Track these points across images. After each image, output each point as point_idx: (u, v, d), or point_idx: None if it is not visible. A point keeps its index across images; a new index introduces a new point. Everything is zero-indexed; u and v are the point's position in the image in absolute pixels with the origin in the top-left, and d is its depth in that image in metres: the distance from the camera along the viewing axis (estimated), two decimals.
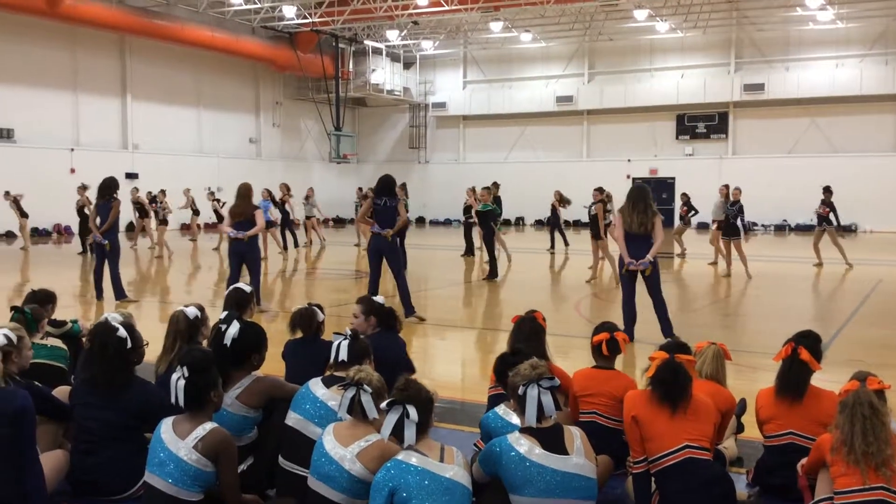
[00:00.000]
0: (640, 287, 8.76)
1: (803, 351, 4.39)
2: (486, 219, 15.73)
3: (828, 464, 3.70)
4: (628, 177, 35.99)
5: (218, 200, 23.06)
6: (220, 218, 22.68)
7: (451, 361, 8.63)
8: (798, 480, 4.06)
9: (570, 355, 8.25)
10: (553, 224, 21.86)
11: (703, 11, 31.55)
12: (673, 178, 34.18)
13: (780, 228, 33.12)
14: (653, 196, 8.88)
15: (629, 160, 35.79)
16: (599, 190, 15.55)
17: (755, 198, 31.95)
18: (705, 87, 34.13)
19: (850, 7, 30.02)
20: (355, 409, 3.64)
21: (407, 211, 11.87)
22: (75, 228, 21.09)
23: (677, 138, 35.57)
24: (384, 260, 10.40)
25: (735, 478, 4.58)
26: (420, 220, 39.63)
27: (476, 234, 17.68)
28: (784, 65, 33.31)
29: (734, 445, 5.07)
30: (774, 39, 33.42)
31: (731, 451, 4.96)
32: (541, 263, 18.94)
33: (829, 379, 5.12)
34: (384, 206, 10.32)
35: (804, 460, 4.01)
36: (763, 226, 33.23)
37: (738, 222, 15.88)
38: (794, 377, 4.40)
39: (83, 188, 20.61)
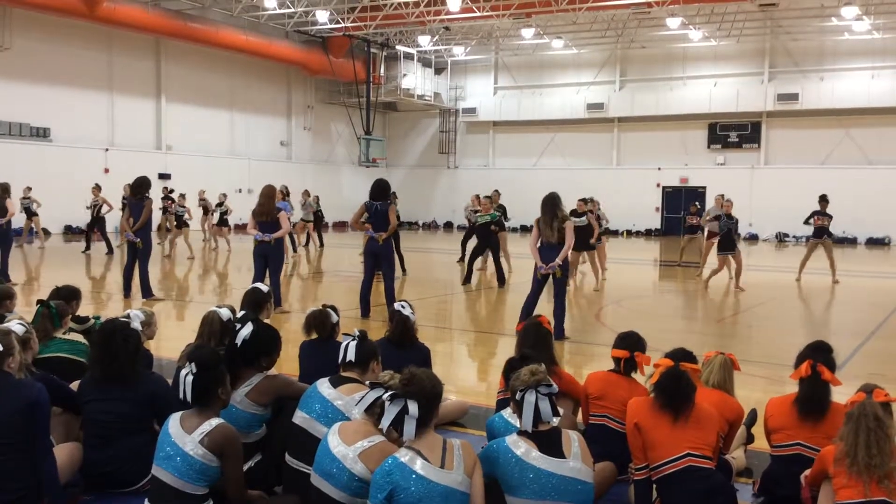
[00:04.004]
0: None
1: (825, 371, 4.32)
2: (486, 229, 15.77)
3: (830, 475, 3.68)
4: (658, 185, 35.92)
5: (221, 203, 22.74)
6: (222, 222, 22.57)
7: (459, 365, 8.69)
8: (801, 491, 4.04)
9: (591, 365, 8.26)
10: None
11: (736, 20, 31.34)
12: (704, 188, 33.91)
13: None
14: (562, 202, 9.46)
15: (660, 168, 35.65)
16: (584, 201, 15.45)
17: (787, 209, 31.67)
18: (738, 96, 33.85)
19: (887, 18, 29.60)
20: (374, 410, 3.67)
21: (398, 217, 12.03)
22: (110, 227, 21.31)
23: (709, 147, 35.33)
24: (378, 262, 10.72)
25: (742, 488, 4.58)
26: (448, 226, 39.72)
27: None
28: (819, 75, 32.95)
29: (743, 456, 5.05)
30: (809, 49, 33.08)
31: (740, 461, 4.94)
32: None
33: (848, 393, 5.07)
34: (376, 210, 10.54)
35: (808, 471, 3.99)
36: (795, 237, 32.87)
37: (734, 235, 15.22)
38: (818, 400, 4.32)
39: (97, 188, 20.96)
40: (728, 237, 15.15)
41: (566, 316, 9.68)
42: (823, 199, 16.55)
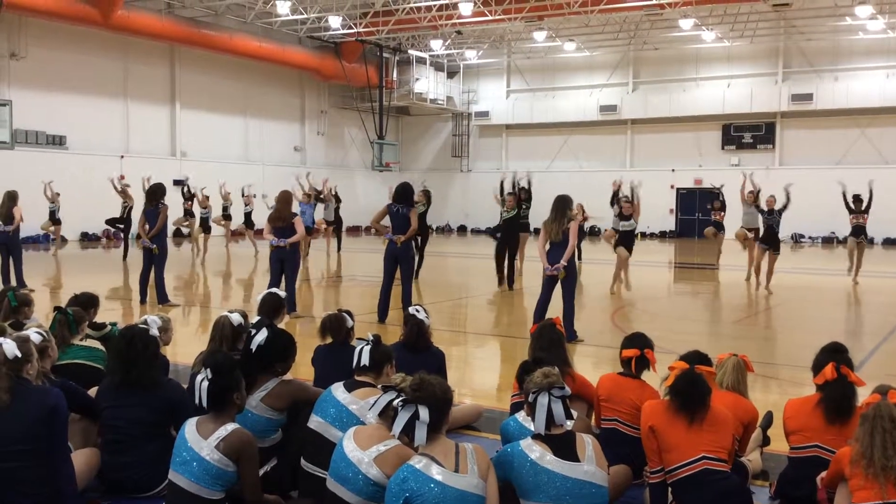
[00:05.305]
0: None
1: (850, 372, 4.32)
2: (512, 224, 15.50)
3: (846, 477, 3.67)
4: (672, 187, 35.79)
5: (247, 204, 22.60)
6: (249, 223, 22.58)
7: (473, 369, 8.70)
8: (817, 493, 4.03)
9: (605, 368, 8.24)
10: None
11: (749, 21, 31.19)
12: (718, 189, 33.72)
13: (828, 241, 32.52)
14: (572, 204, 9.54)
15: (673, 170, 35.53)
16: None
17: (803, 209, 31.41)
18: (752, 96, 33.69)
19: None
20: (387, 414, 3.68)
21: (424, 218, 11.94)
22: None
23: (723, 148, 35.18)
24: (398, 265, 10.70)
25: (759, 491, 4.57)
26: (462, 229, 39.73)
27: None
28: (833, 74, 32.76)
29: (759, 458, 5.02)
30: (823, 49, 32.91)
31: (756, 463, 4.92)
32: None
33: (865, 394, 5.05)
34: (398, 212, 10.55)
35: (824, 473, 3.98)
36: (811, 238, 32.68)
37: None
38: (846, 402, 4.30)
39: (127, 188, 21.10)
40: (771, 233, 14.87)
41: (577, 316, 9.67)
42: (858, 199, 16.40)
